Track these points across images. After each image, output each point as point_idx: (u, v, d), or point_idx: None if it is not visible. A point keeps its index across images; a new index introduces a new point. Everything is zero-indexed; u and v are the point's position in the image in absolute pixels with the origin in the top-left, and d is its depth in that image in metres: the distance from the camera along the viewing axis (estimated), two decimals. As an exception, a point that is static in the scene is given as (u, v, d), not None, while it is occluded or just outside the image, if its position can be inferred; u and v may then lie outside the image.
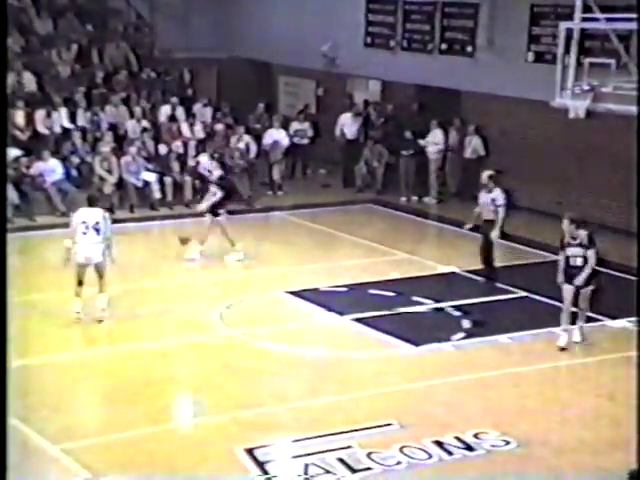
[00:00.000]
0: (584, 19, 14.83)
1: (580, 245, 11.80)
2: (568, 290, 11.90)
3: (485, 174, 14.72)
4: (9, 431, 9.59)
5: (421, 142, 19.92)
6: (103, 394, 11.01)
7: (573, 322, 12.11)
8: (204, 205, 15.52)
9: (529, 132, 18.91)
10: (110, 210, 15.03)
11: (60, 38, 21.69)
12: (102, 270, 12.56)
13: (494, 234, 14.40)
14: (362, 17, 22.17)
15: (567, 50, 14.94)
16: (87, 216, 12.52)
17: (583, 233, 11.84)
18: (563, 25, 15.22)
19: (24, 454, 9.23)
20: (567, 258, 11.90)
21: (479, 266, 15.32)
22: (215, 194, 15.40)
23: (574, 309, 12.09)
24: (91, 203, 12.84)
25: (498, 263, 15.11)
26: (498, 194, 14.34)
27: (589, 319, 13.03)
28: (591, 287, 11.98)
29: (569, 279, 11.89)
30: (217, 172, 15.91)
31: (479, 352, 12.20)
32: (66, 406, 10.49)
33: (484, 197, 14.47)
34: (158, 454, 9.36)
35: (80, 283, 12.49)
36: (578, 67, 14.74)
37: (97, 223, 12.42)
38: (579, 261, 11.81)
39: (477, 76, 19.70)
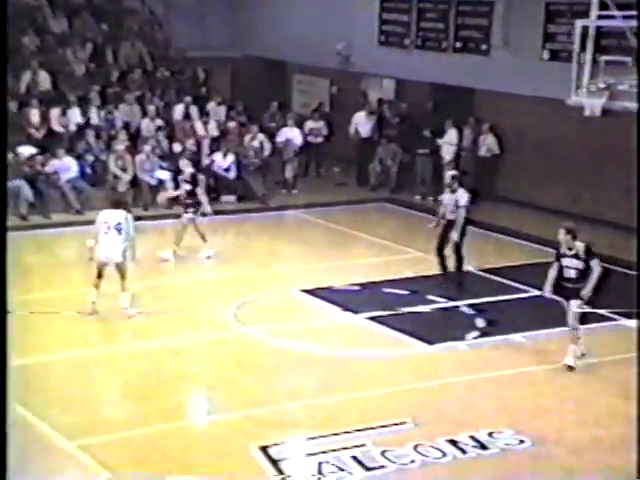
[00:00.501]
0: (600, 17, 14.83)
1: (576, 257, 11.32)
2: (566, 306, 11.48)
3: (448, 174, 14.66)
4: (26, 426, 9.69)
5: (438, 141, 19.91)
6: (118, 391, 11.08)
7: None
8: (207, 208, 15.55)
9: (544, 130, 18.88)
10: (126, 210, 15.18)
11: (75, 37, 21.80)
12: (123, 270, 12.73)
13: (453, 234, 14.27)
14: (376, 16, 22.18)
15: (583, 48, 14.94)
16: (109, 217, 12.74)
17: (580, 245, 11.36)
18: (579, 23, 15.21)
19: (40, 450, 9.31)
20: (561, 269, 11.44)
21: (493, 265, 15.39)
22: (193, 192, 15.44)
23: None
24: (115, 205, 13.05)
25: (514, 262, 15.12)
26: (461, 195, 14.25)
27: (604, 318, 13.04)
28: (581, 302, 11.40)
29: (564, 293, 11.43)
30: (189, 170, 15.97)
31: (493, 351, 12.20)
32: (82, 402, 10.53)
33: (448, 198, 14.37)
34: (173, 451, 9.40)
35: (99, 276, 12.70)
36: (594, 65, 14.74)
37: (119, 224, 12.64)
38: (573, 273, 11.32)
39: (492, 74, 19.69)
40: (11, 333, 11.94)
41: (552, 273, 11.53)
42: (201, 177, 16.03)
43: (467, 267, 15.16)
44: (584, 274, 11.32)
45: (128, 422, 9.97)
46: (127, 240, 12.69)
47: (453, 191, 14.29)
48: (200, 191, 15.59)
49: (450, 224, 14.32)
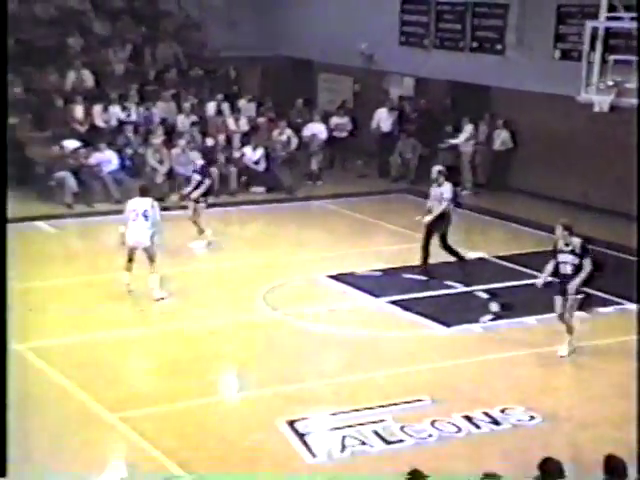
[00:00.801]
0: (608, 18, 14.71)
1: (572, 253, 11.02)
2: (557, 301, 11.20)
3: (435, 169, 14.44)
4: (71, 399, 9.80)
5: (459, 135, 19.80)
6: (156, 368, 11.13)
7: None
8: (195, 194, 15.40)
9: (555, 125, 18.75)
10: (161, 199, 15.29)
11: (116, 39, 21.87)
12: (151, 253, 12.84)
13: (426, 218, 14.11)
14: (397, 17, 22.09)
15: (592, 48, 14.84)
16: (137, 205, 12.87)
17: (577, 241, 11.06)
18: (589, 24, 15.10)
19: (84, 421, 9.43)
20: (557, 265, 11.15)
21: (506, 252, 15.35)
22: (202, 182, 15.41)
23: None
24: (142, 193, 13.14)
25: (526, 249, 15.06)
26: (447, 189, 14.11)
27: (610, 302, 13.01)
28: (579, 296, 11.15)
29: (561, 288, 11.14)
30: (199, 162, 15.99)
31: (506, 333, 12.19)
32: (123, 378, 10.66)
33: (434, 191, 14.21)
34: (207, 424, 9.49)
35: (130, 260, 12.85)
36: (602, 64, 14.62)
37: (145, 211, 12.77)
38: (569, 269, 11.03)
39: (506, 73, 19.59)
40: (57, 314, 12.10)
41: (548, 267, 11.26)
42: (212, 170, 16.02)
43: (479, 254, 15.18)
44: (580, 269, 11.06)
45: (166, 397, 10.06)
46: (154, 225, 12.79)
47: (439, 185, 14.19)
48: (207, 182, 15.57)
49: (437, 216, 14.19)
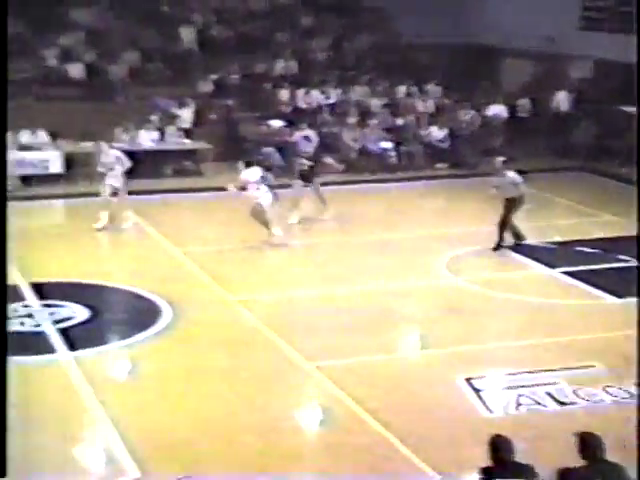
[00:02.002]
0: None
1: None
2: None
3: (498, 160, 13.85)
4: (274, 349, 9.95)
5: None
6: (346, 324, 11.04)
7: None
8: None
9: None
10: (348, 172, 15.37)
11: (319, 30, 22.04)
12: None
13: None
14: (578, 3, 21.08)
15: None
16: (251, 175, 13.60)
17: None
18: None
19: (286, 368, 9.58)
20: None
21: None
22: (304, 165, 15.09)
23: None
24: (248, 165, 13.85)
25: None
26: (514, 175, 13.53)
27: None
28: None
29: None
30: (310, 148, 15.74)
31: (679, 306, 11.37)
32: (317, 331, 10.72)
33: (501, 180, 13.57)
34: (392, 377, 9.37)
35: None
36: None
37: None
38: None
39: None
40: (260, 272, 12.22)
41: None
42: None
43: None
44: None
45: (356, 350, 10.02)
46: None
47: (503, 175, 13.60)
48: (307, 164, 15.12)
49: (509, 201, 13.54)
